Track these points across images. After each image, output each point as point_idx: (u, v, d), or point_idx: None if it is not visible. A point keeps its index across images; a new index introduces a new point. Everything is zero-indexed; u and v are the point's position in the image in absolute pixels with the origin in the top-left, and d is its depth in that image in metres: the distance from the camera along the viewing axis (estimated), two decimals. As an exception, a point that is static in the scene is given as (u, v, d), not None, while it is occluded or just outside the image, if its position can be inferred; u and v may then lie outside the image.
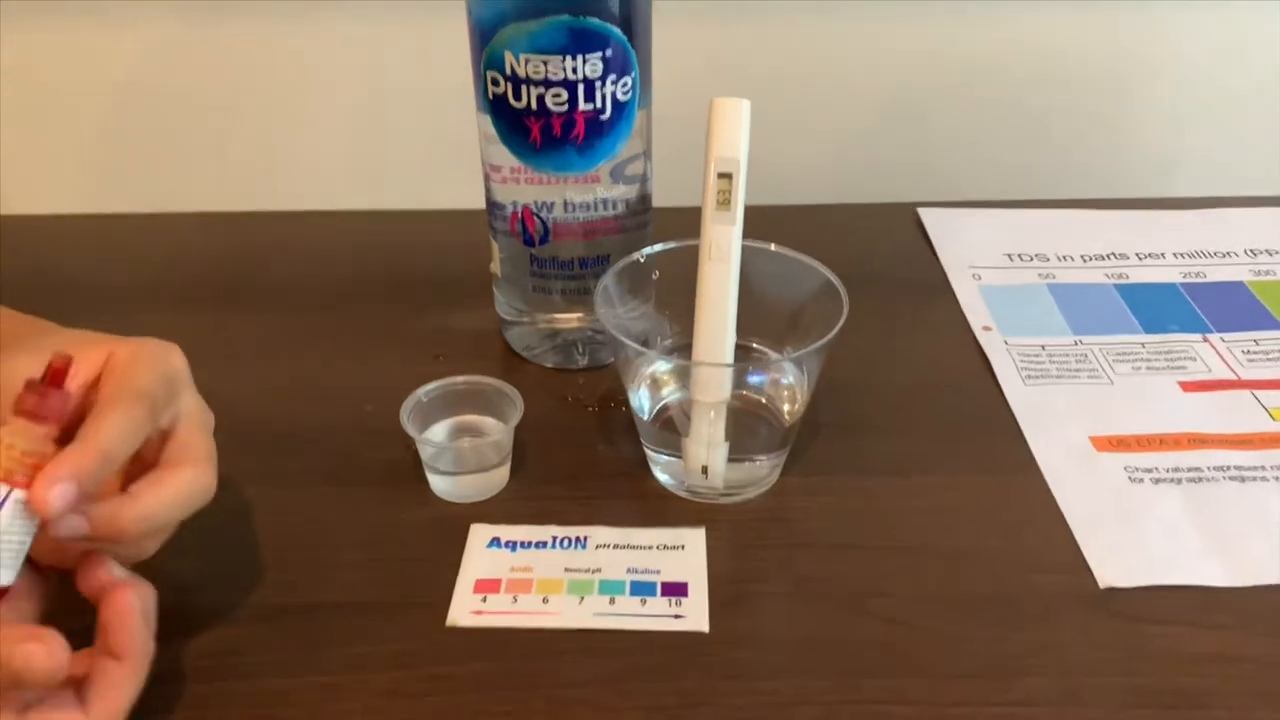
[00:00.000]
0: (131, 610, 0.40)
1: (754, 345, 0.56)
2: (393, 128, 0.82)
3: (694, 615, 0.47)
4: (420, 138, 0.81)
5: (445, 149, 0.76)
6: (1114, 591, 0.49)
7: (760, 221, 0.51)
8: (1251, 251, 0.72)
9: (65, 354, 0.39)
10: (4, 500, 0.37)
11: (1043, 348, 0.64)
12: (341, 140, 0.83)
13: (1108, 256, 0.72)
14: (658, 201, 0.62)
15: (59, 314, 0.49)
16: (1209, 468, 0.55)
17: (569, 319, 0.62)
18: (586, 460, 0.56)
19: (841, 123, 0.82)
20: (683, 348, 0.54)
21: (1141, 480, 0.54)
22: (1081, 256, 0.72)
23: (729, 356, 0.51)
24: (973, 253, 0.72)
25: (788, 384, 0.56)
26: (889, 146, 0.83)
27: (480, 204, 0.62)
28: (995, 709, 0.44)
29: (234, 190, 0.82)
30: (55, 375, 0.39)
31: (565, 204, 0.58)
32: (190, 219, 0.79)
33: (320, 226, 0.78)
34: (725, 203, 0.51)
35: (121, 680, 0.40)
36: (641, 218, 0.61)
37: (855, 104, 0.81)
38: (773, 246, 0.55)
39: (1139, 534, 0.51)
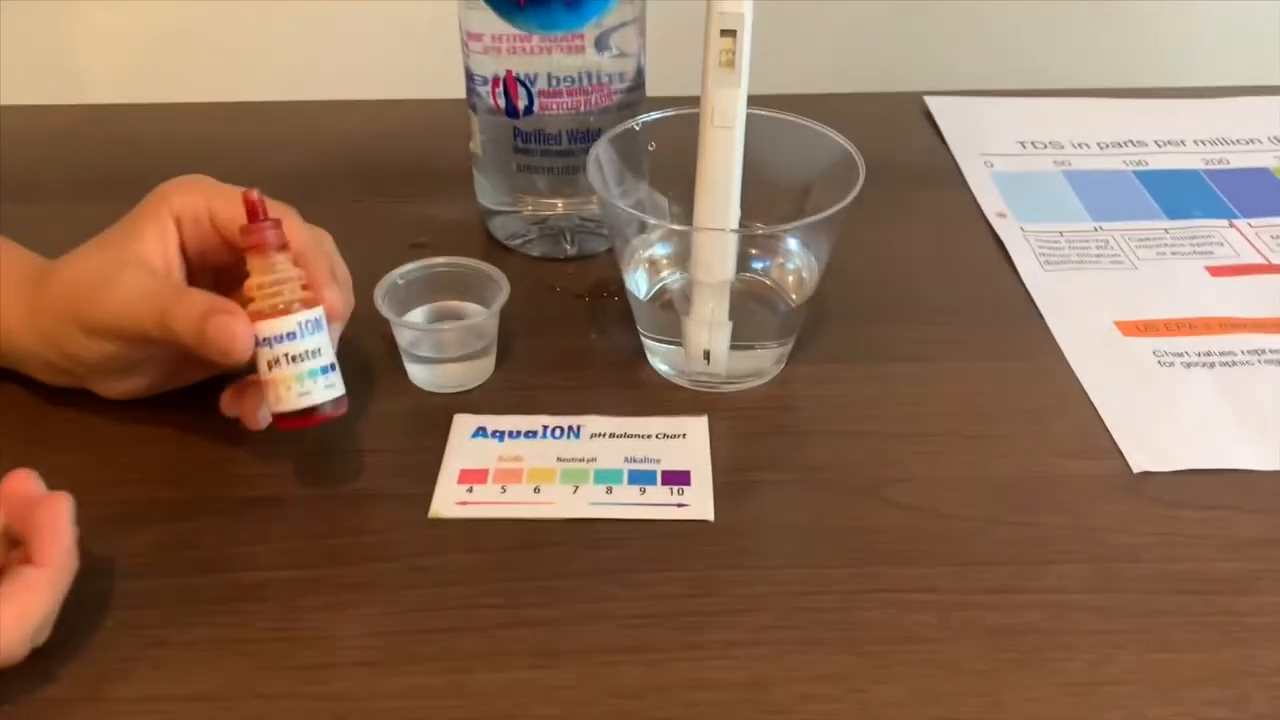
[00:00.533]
0: (66, 514, 0.37)
1: (759, 227, 0.51)
2: (367, 14, 0.76)
3: (698, 504, 0.44)
4: (396, 24, 0.76)
5: (423, 36, 0.71)
6: (1148, 476, 0.45)
7: (752, 118, 0.47)
8: (1277, 139, 0.68)
9: (249, 189, 0.42)
10: (315, 323, 0.41)
11: (1061, 234, 0.60)
12: (316, 29, 0.77)
13: (1125, 144, 0.68)
14: (651, 92, 0.57)
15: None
16: (1243, 351, 0.51)
17: (554, 204, 0.58)
18: (578, 350, 0.52)
19: (843, 8, 0.77)
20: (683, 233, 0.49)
21: (1172, 364, 0.51)
22: (1098, 144, 0.68)
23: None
24: (983, 140, 0.68)
25: (794, 268, 0.51)
26: (893, 34, 0.78)
27: (459, 94, 0.57)
28: (1027, 596, 0.40)
29: (204, 81, 0.77)
30: (256, 209, 0.41)
31: (550, 77, 0.53)
32: (159, 110, 0.73)
33: (291, 116, 0.72)
34: (729, 63, 0.46)
35: (38, 585, 0.36)
36: (633, 95, 0.56)
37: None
38: (780, 113, 0.51)
39: (1172, 418, 0.48)
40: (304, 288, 0.42)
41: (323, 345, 0.41)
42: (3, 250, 0.47)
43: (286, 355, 0.40)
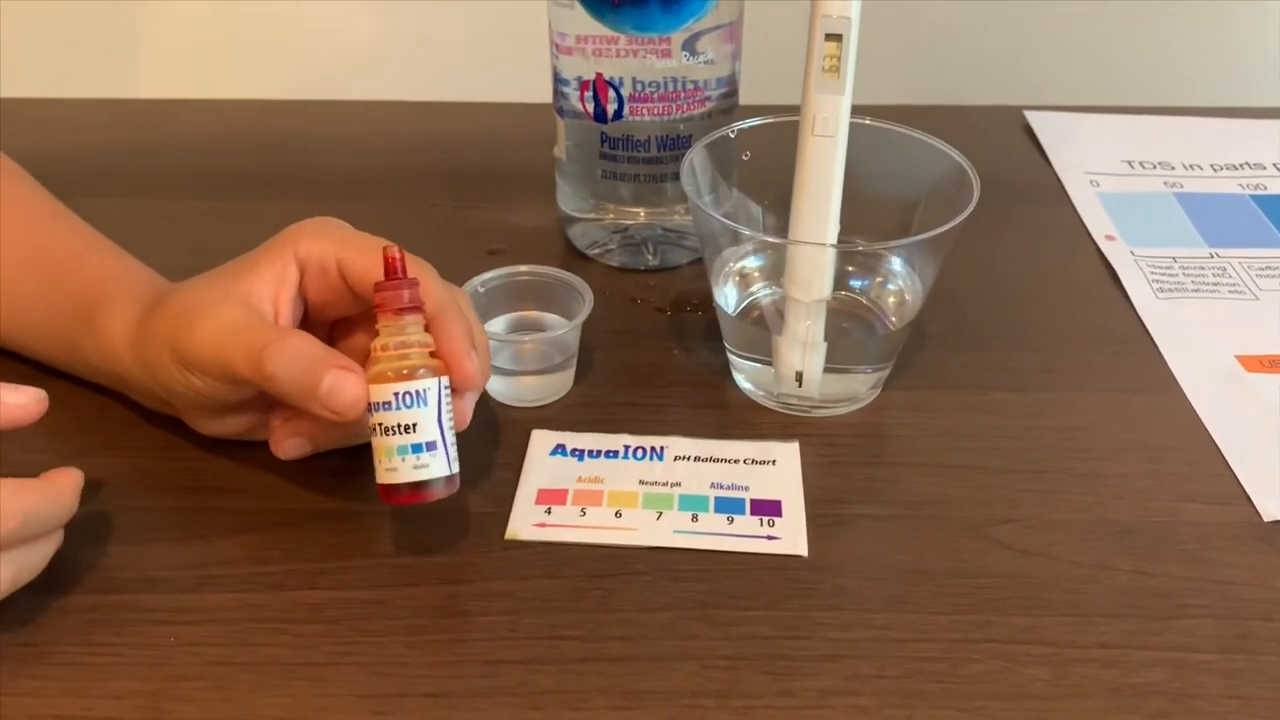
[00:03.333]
0: (78, 473, 0.38)
1: (861, 243, 0.48)
2: (456, 14, 0.75)
3: (790, 537, 0.41)
4: (485, 25, 0.74)
5: (511, 38, 0.70)
6: (1281, 526, 0.42)
7: (854, 128, 0.44)
8: (1406, 164, 0.64)
9: (390, 245, 0.39)
10: (438, 391, 0.38)
11: (1174, 260, 0.56)
12: (399, 27, 0.76)
13: (1241, 166, 0.64)
14: (744, 101, 0.54)
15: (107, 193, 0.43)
16: (1380, 393, 0.48)
17: (636, 213, 0.56)
18: (660, 366, 0.50)
19: (934, 18, 0.74)
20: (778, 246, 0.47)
21: (1303, 404, 0.47)
22: (1211, 166, 0.64)
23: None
24: (1088, 159, 0.65)
25: (895, 289, 0.49)
26: (991, 46, 0.75)
27: (544, 98, 0.55)
28: (1150, 653, 0.37)
29: (288, 78, 0.76)
30: (394, 266, 0.39)
31: (635, 81, 0.51)
32: (240, 105, 0.72)
33: (372, 115, 0.71)
34: (833, 69, 0.44)
35: (33, 485, 0.36)
36: (726, 102, 0.54)
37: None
38: (886, 123, 0.48)
39: (1305, 463, 0.44)
40: (432, 354, 0.38)
41: (420, 421, 0.37)
42: (127, 271, 0.46)
43: (380, 425, 0.37)
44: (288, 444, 0.42)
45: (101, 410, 0.46)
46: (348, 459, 0.44)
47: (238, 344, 0.38)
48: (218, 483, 0.43)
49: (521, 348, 0.47)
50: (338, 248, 0.41)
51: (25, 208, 0.47)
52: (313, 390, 0.37)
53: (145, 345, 0.42)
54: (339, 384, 0.37)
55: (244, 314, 0.39)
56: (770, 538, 0.41)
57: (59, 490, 0.37)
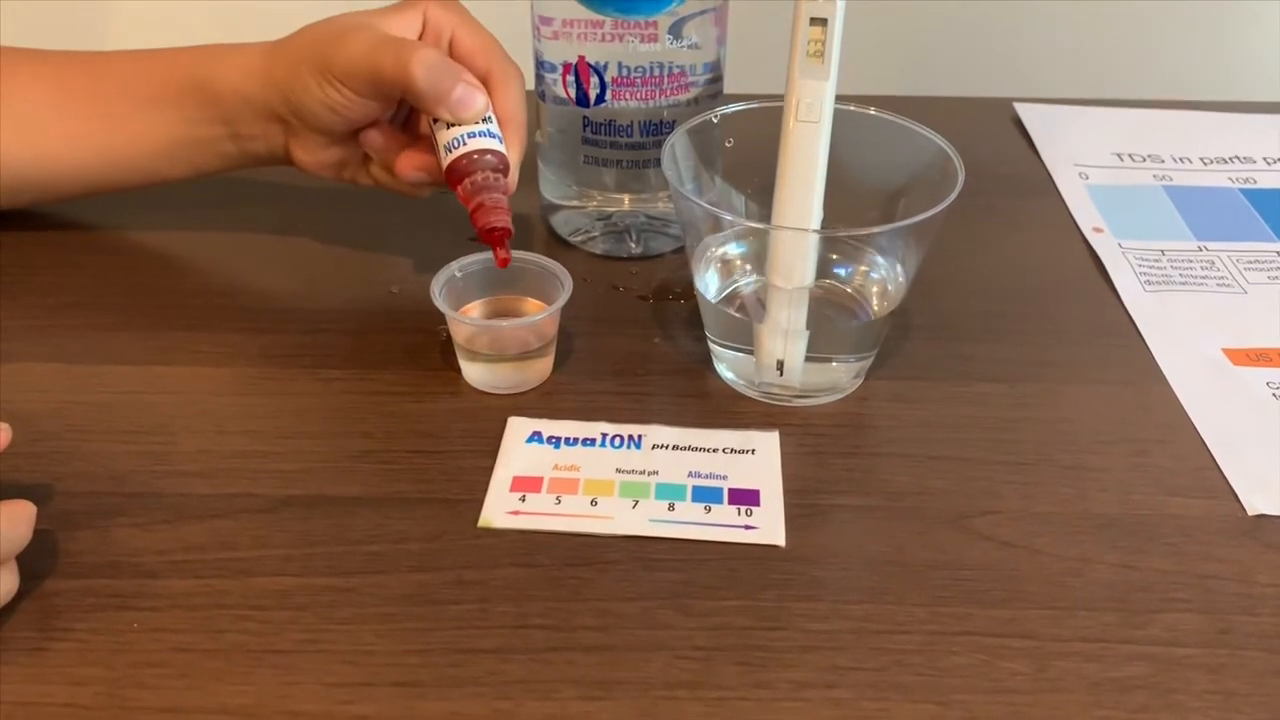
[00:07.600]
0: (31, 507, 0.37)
1: (841, 229, 0.48)
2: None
3: (768, 527, 0.40)
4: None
5: (490, 23, 0.69)
6: (1265, 520, 0.41)
7: (839, 115, 0.43)
8: (1396, 159, 0.64)
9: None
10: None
11: (1163, 253, 0.56)
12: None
13: (1230, 160, 0.64)
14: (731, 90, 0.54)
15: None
16: (1367, 388, 0.47)
17: (620, 199, 0.55)
18: (640, 354, 0.49)
19: (929, 9, 0.74)
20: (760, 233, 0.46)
21: (1289, 398, 0.47)
22: (1200, 159, 0.64)
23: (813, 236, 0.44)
24: (1078, 151, 0.64)
25: (878, 277, 0.48)
26: (981, 37, 0.74)
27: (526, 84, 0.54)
28: (1132, 647, 0.36)
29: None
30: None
31: (620, 65, 0.50)
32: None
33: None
34: (818, 54, 0.43)
35: None
36: (711, 88, 0.53)
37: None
38: (872, 110, 0.47)
39: (1291, 457, 0.44)
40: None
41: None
42: (206, 49, 0.52)
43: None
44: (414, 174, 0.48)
45: (71, 394, 0.45)
46: (316, 443, 0.43)
47: (385, 53, 0.44)
48: (185, 467, 0.42)
49: (499, 333, 0.46)
50: (457, 21, 0.48)
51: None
52: (447, 95, 0.44)
53: (277, 66, 0.47)
54: (467, 93, 0.45)
55: (386, 34, 0.46)
56: (748, 527, 0.40)
57: (14, 518, 0.36)
